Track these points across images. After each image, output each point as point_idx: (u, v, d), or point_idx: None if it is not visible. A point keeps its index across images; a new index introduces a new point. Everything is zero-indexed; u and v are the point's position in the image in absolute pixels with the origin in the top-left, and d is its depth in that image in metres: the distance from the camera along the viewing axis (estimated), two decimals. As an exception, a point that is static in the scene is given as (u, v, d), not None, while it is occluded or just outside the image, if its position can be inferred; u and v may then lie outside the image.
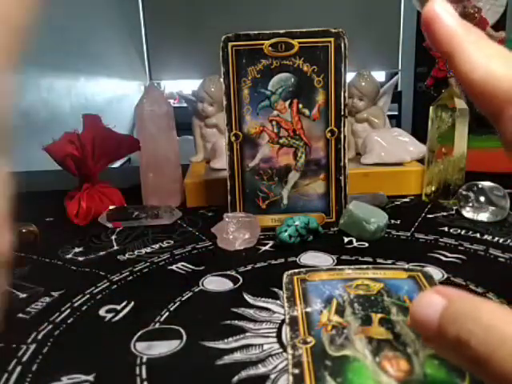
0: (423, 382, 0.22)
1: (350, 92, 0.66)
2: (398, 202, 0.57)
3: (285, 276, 0.35)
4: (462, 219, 0.49)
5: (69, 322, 0.31)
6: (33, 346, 0.28)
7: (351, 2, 2.87)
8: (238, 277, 0.37)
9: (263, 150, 0.47)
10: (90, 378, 0.25)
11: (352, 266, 0.36)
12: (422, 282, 0.33)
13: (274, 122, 0.46)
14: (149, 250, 0.44)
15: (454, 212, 0.52)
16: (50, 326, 0.31)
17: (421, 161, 0.62)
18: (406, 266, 0.37)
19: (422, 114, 0.74)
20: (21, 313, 0.32)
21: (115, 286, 0.36)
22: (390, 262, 0.39)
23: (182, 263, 0.40)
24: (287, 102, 0.46)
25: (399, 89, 2.83)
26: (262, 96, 0.46)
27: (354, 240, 0.44)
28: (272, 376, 0.24)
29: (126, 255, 0.43)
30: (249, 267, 0.39)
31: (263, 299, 0.33)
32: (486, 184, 0.49)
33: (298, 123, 0.46)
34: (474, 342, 0.15)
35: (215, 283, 0.36)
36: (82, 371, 0.25)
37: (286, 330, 0.28)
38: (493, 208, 0.48)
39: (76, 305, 0.33)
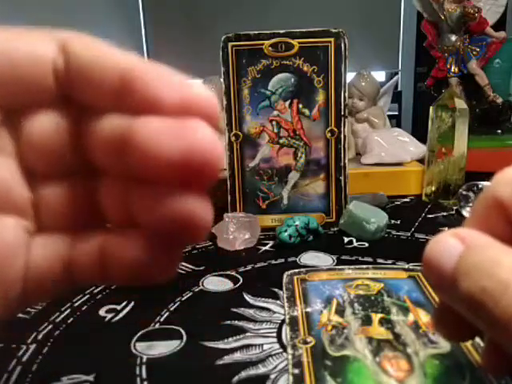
0: (423, 382, 0.22)
1: (350, 92, 0.66)
2: (398, 202, 0.57)
3: (285, 276, 0.35)
4: (462, 219, 0.49)
5: (69, 321, 0.31)
6: (33, 346, 0.28)
7: (351, 2, 2.87)
8: (238, 277, 0.37)
9: (263, 150, 0.47)
10: (90, 378, 0.25)
11: (352, 266, 0.37)
12: (422, 281, 0.33)
13: (274, 122, 0.46)
14: (149, 250, 0.44)
15: (454, 212, 0.52)
16: (50, 326, 0.30)
17: (421, 161, 0.62)
18: (406, 266, 0.37)
19: (422, 114, 0.74)
20: (21, 313, 0.32)
21: (115, 285, 0.36)
22: (389, 262, 0.39)
23: (182, 263, 0.40)
24: (287, 102, 0.46)
25: (399, 89, 2.83)
26: (262, 96, 0.46)
27: (354, 240, 0.44)
28: (272, 376, 0.24)
29: (126, 255, 0.43)
30: (249, 267, 0.39)
31: (263, 299, 0.33)
32: (486, 184, 0.49)
33: (298, 123, 0.46)
34: (488, 303, 0.13)
35: (215, 283, 0.36)
36: (82, 371, 0.25)
37: (286, 330, 0.28)
38: (493, 208, 0.48)
39: (76, 305, 0.33)
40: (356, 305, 0.30)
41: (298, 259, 0.40)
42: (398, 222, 0.49)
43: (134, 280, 0.16)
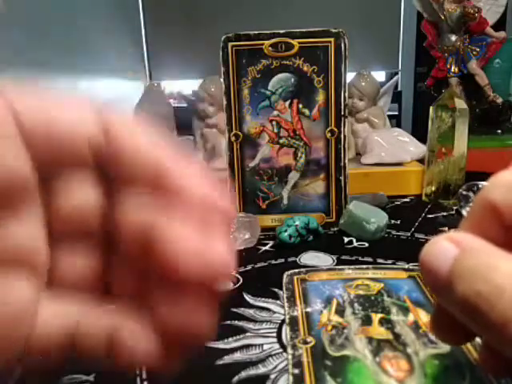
0: (423, 382, 0.22)
1: (350, 92, 0.66)
2: (398, 202, 0.57)
3: (285, 276, 0.35)
4: (462, 219, 0.49)
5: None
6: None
7: (351, 2, 2.87)
8: (238, 277, 0.37)
9: (263, 150, 0.47)
10: (90, 378, 0.25)
11: (352, 266, 0.36)
12: (422, 282, 0.33)
13: (274, 122, 0.46)
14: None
15: (454, 212, 0.52)
16: (50, 326, 0.30)
17: (421, 161, 0.62)
18: (406, 266, 0.37)
19: (422, 114, 0.74)
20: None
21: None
22: (389, 262, 0.39)
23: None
24: (287, 102, 0.46)
25: (399, 89, 2.83)
26: (262, 96, 0.46)
27: (354, 240, 0.44)
28: (272, 376, 0.24)
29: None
30: (249, 267, 0.39)
31: (263, 299, 0.33)
32: (486, 184, 0.49)
33: (298, 123, 0.46)
34: (483, 307, 0.13)
35: (215, 283, 0.36)
36: (82, 371, 0.25)
37: (286, 330, 0.28)
38: (493, 208, 0.48)
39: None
40: (356, 305, 0.30)
41: (298, 259, 0.40)
42: (398, 222, 0.49)
43: (137, 366, 0.17)
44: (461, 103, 0.53)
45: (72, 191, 0.17)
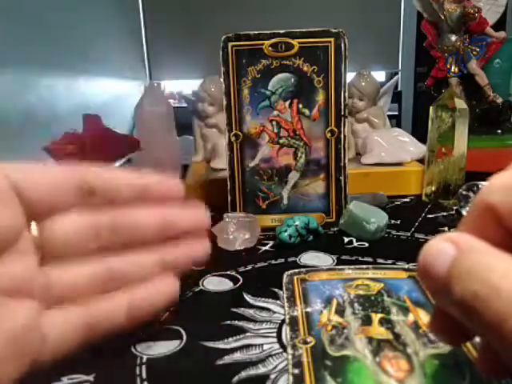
0: (423, 382, 0.22)
1: (350, 92, 0.66)
2: (398, 202, 0.57)
3: (285, 276, 0.35)
4: (461, 219, 0.49)
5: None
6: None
7: (351, 2, 2.87)
8: (238, 277, 0.37)
9: (263, 150, 0.47)
10: (90, 378, 0.25)
11: (352, 266, 0.37)
12: (421, 279, 0.33)
13: (274, 122, 0.46)
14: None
15: (454, 212, 0.52)
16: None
17: (421, 161, 0.62)
18: (406, 266, 0.37)
19: (422, 114, 0.74)
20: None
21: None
22: (389, 262, 0.39)
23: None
24: (287, 102, 0.46)
25: (399, 89, 2.83)
26: (262, 96, 0.46)
27: (354, 240, 0.44)
28: (272, 376, 0.24)
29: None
30: (249, 267, 0.39)
31: (263, 299, 0.33)
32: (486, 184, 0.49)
33: (298, 123, 0.46)
34: (480, 307, 0.13)
35: (215, 283, 0.36)
36: (81, 371, 0.25)
37: (286, 330, 0.28)
38: (493, 208, 0.48)
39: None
40: (356, 305, 0.30)
41: (298, 259, 0.40)
42: (398, 222, 0.49)
43: (161, 311, 0.27)
44: (461, 103, 0.53)
45: (61, 223, 0.21)
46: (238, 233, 0.43)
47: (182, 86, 3.16)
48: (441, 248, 0.15)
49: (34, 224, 0.21)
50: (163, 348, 0.27)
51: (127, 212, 0.23)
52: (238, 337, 0.28)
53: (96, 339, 0.22)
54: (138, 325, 0.24)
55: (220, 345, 0.27)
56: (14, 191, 0.20)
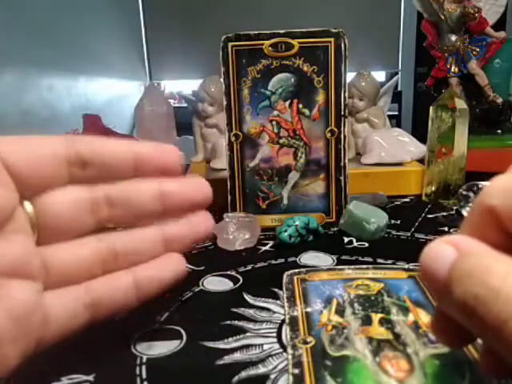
0: (423, 382, 0.22)
1: (350, 92, 0.66)
2: (398, 202, 0.57)
3: (285, 276, 0.35)
4: (462, 219, 0.49)
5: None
6: (33, 346, 0.28)
7: (351, 2, 2.87)
8: (238, 277, 0.37)
9: (263, 150, 0.47)
10: (90, 378, 0.25)
11: (352, 266, 0.36)
12: (422, 282, 0.33)
13: (274, 122, 0.46)
14: (149, 250, 0.44)
15: (454, 212, 0.52)
16: (50, 326, 0.30)
17: (421, 161, 0.62)
18: (406, 266, 0.37)
19: (422, 114, 0.74)
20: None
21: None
22: (389, 262, 0.39)
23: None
24: (287, 102, 0.46)
25: (399, 89, 2.83)
26: (262, 96, 0.46)
27: (354, 240, 0.44)
28: (272, 376, 0.24)
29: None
30: (249, 267, 0.39)
31: (263, 299, 0.33)
32: (486, 184, 0.49)
33: (298, 123, 0.46)
34: (480, 310, 0.13)
35: (215, 283, 0.36)
36: (81, 371, 0.25)
37: (286, 330, 0.28)
38: (493, 208, 0.48)
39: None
40: (356, 305, 0.30)
41: (298, 259, 0.40)
42: (398, 222, 0.49)
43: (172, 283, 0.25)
44: (461, 103, 0.53)
45: (55, 199, 0.20)
46: (238, 233, 0.43)
47: (182, 86, 3.16)
48: (441, 250, 0.15)
49: (27, 202, 0.20)
50: (163, 348, 0.27)
51: (123, 183, 0.22)
52: (237, 337, 0.28)
53: (100, 319, 0.22)
54: (146, 302, 0.24)
55: (220, 345, 0.27)
56: (2, 165, 0.19)
